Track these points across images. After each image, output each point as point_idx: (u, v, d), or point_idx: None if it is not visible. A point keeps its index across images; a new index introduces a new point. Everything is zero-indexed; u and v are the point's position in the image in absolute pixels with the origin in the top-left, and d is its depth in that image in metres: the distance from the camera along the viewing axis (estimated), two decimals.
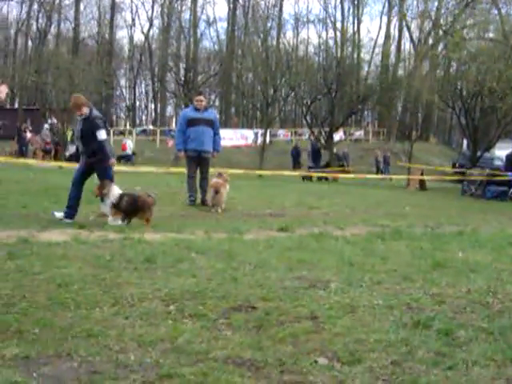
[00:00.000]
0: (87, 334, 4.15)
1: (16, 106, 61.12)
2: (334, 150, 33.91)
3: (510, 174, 22.21)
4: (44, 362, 3.69)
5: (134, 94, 74.00)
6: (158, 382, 3.42)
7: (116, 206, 9.70)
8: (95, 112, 10.12)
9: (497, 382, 3.60)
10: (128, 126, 61.08)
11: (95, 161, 9.97)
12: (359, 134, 53.90)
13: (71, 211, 9.89)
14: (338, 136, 39.99)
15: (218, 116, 14.10)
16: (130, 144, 38.00)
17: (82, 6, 65.62)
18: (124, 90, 75.77)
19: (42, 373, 3.52)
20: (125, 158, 34.58)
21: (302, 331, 4.34)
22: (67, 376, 3.48)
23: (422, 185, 26.96)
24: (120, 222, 9.66)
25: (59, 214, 9.86)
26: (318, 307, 4.92)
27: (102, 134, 9.92)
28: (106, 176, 10.09)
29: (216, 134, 13.10)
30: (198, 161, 12.91)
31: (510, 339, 4.35)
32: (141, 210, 9.75)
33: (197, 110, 13.05)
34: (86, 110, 9.93)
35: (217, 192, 12.00)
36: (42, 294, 5.11)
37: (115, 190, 9.84)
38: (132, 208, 9.73)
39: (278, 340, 4.15)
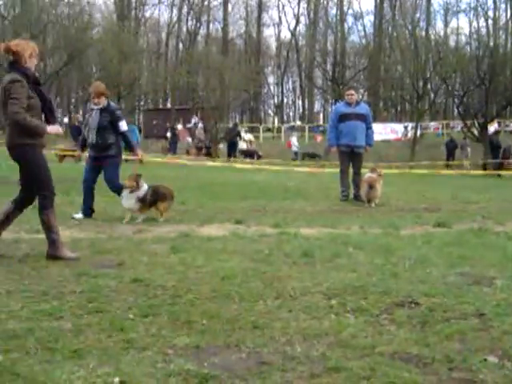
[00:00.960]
0: (253, 325, 4.25)
1: (168, 105, 63.46)
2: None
3: None
4: (213, 351, 3.80)
5: (282, 91, 74.86)
6: (326, 375, 3.44)
7: (143, 201, 9.20)
8: (113, 103, 9.93)
9: None
10: (276, 123, 61.76)
11: (107, 155, 9.56)
12: None
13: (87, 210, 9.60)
14: (492, 128, 38.48)
15: (370, 110, 13.89)
16: (294, 141, 38.18)
17: (229, 7, 67.22)
18: (272, 88, 76.84)
19: (213, 362, 3.63)
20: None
21: (469, 328, 4.22)
22: (237, 366, 3.57)
23: None
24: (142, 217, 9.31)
25: (78, 216, 9.44)
26: (484, 304, 4.77)
27: (124, 125, 9.67)
28: (115, 175, 9.73)
29: (369, 128, 13.00)
30: (351, 156, 12.86)
31: None
32: (160, 201, 9.36)
33: (348, 104, 13.02)
34: (104, 101, 9.53)
35: (371, 187, 11.91)
36: (206, 286, 5.28)
37: (144, 184, 9.31)
38: (153, 199, 9.32)
39: (444, 337, 4.06)
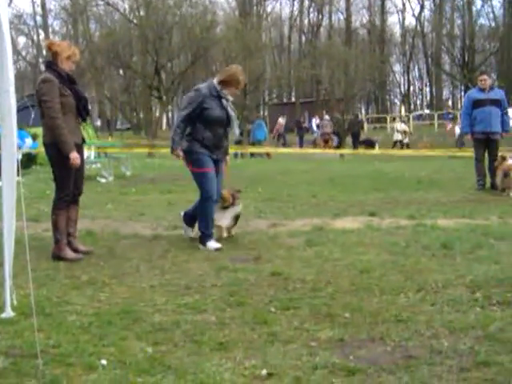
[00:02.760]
0: (396, 319, 4.23)
1: (293, 99, 63.72)
2: None
3: None
4: (358, 345, 3.82)
5: (408, 79, 73.44)
6: (475, 369, 3.38)
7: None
8: None
9: None
10: (403, 112, 60.72)
11: (221, 158, 7.39)
12: None
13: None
14: None
15: (504, 95, 13.38)
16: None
17: None
18: (397, 76, 75.58)
19: (358, 355, 3.64)
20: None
21: None
22: (383, 359, 3.57)
23: None
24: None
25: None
26: None
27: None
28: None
29: (504, 113, 12.53)
30: (486, 143, 12.45)
31: None
32: None
33: (482, 90, 12.60)
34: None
35: (506, 175, 11.49)
36: (344, 279, 5.30)
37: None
38: None
39: None
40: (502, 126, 12.43)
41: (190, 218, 7.51)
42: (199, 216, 7.14)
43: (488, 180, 12.48)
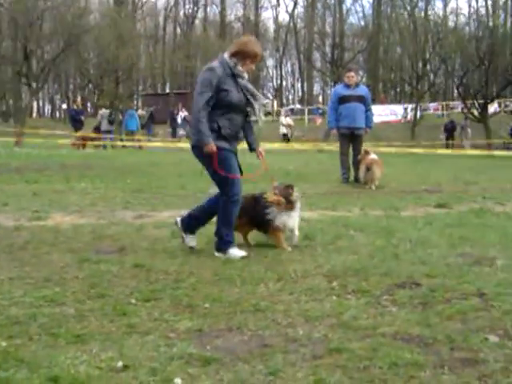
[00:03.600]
0: (255, 308, 4.27)
1: (167, 90, 63.36)
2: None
3: None
4: (216, 335, 3.82)
5: (281, 74, 74.67)
6: (328, 356, 3.46)
7: None
8: None
9: None
10: (275, 107, 61.64)
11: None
12: None
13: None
14: (492, 108, 38.44)
15: (369, 91, 13.89)
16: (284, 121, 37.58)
17: None
18: (270, 71, 76.65)
19: (215, 345, 3.64)
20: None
21: (470, 308, 4.24)
22: (239, 349, 3.59)
23: None
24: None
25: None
26: (485, 284, 4.78)
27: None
28: None
29: (368, 110, 12.98)
30: (351, 138, 12.86)
31: None
32: None
33: (348, 86, 12.99)
34: None
35: (369, 169, 11.92)
36: (208, 270, 5.31)
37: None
38: None
39: (445, 317, 4.08)
40: (366, 121, 12.88)
41: (192, 224, 6.30)
42: (222, 220, 6.02)
43: (352, 173, 12.89)
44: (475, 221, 7.92)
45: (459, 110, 41.58)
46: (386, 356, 3.41)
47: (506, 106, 47.35)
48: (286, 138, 34.56)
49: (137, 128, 31.73)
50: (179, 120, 37.82)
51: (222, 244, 5.98)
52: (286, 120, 35.94)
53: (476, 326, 3.93)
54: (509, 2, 54.01)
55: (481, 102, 33.44)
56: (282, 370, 3.29)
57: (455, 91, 45.48)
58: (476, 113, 33.38)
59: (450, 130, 34.62)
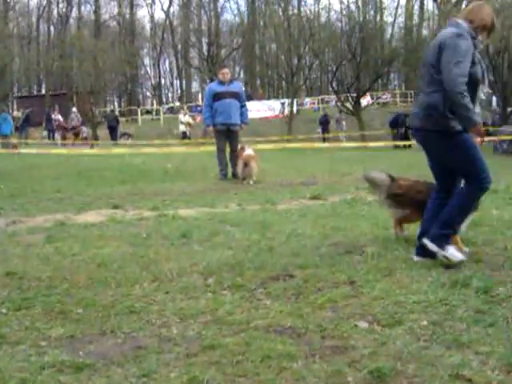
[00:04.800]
0: (129, 310, 4.22)
1: (43, 91, 61.63)
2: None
3: None
4: (89, 340, 3.75)
5: (159, 72, 74.12)
6: (202, 354, 3.46)
7: None
8: None
9: None
10: (155, 105, 61.20)
11: None
12: (386, 97, 53.28)
13: None
14: (365, 101, 39.67)
15: (243, 88, 14.04)
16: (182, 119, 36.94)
17: None
18: (149, 69, 75.95)
19: (88, 351, 3.58)
20: None
21: (341, 296, 4.36)
22: (113, 352, 3.54)
23: None
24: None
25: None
26: (356, 272, 4.94)
27: None
28: None
29: (243, 106, 13.10)
30: (227, 134, 12.93)
31: None
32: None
33: (222, 83, 13.05)
34: None
35: (246, 165, 12.04)
36: (82, 274, 5.19)
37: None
38: None
39: (317, 306, 4.18)
40: (242, 117, 13.00)
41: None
42: (460, 210, 5.28)
43: (230, 169, 12.98)
44: (348, 211, 8.16)
45: (334, 103, 42.63)
46: (258, 349, 3.46)
47: (378, 98, 49.03)
48: (185, 137, 34.08)
49: (11, 132, 30.63)
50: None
51: (444, 238, 5.17)
52: (185, 118, 35.52)
53: (346, 313, 4.05)
54: None
55: (354, 95, 34.42)
56: (156, 370, 3.27)
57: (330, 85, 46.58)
58: (350, 106, 34.32)
59: (324, 124, 35.49)
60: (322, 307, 4.16)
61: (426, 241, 5.19)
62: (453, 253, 5.13)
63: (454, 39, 4.91)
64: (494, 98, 36.24)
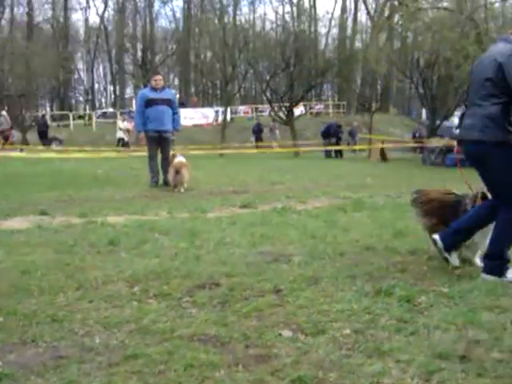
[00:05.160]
0: (51, 319, 4.14)
1: None
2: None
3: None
4: (9, 349, 3.66)
5: (93, 77, 73.24)
6: (124, 363, 3.42)
7: None
8: None
9: (458, 345, 3.67)
10: (88, 110, 60.40)
11: None
12: (319, 107, 53.90)
13: None
14: (298, 111, 40.03)
15: (175, 94, 14.00)
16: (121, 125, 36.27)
17: None
18: (82, 74, 74.92)
19: (8, 360, 3.50)
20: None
21: (266, 305, 4.37)
22: (33, 362, 3.47)
23: (383, 156, 27.11)
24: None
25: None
26: (282, 281, 4.96)
27: None
28: None
29: (175, 112, 13.06)
30: (159, 141, 12.86)
31: (470, 302, 4.45)
32: None
33: (154, 89, 12.98)
34: None
35: (178, 172, 12.00)
36: (4, 282, 5.06)
37: None
38: None
39: (242, 315, 4.18)
40: (174, 124, 12.96)
41: (458, 239, 5.52)
42: (502, 238, 5.24)
43: (161, 177, 12.92)
44: (277, 219, 8.20)
45: (268, 112, 42.90)
46: (181, 358, 3.44)
47: (311, 108, 49.58)
48: (123, 143, 33.48)
49: None
50: None
51: (501, 266, 5.18)
52: (123, 124, 34.96)
53: (271, 322, 4.07)
54: (312, 9, 56.76)
55: (287, 104, 34.68)
56: (77, 380, 3.22)
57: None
58: (283, 115, 34.56)
59: (257, 132, 35.69)
60: (247, 316, 4.17)
61: (484, 276, 5.18)
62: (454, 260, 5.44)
63: None
64: (424, 111, 37.11)
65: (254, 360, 3.48)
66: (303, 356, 3.51)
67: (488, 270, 5.20)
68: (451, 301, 4.51)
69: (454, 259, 5.48)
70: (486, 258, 5.28)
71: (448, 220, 5.63)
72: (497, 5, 29.44)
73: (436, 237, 5.48)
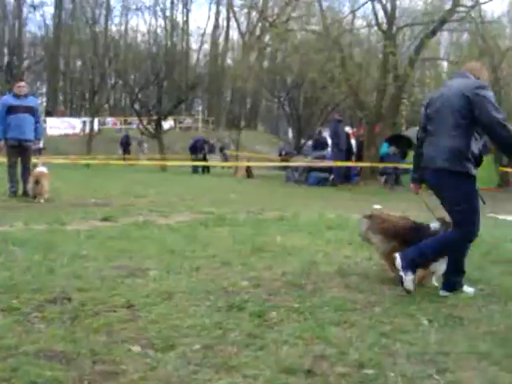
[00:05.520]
0: None
1: None
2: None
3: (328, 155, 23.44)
4: None
5: None
6: None
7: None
8: None
9: (304, 360, 3.77)
10: None
11: None
12: (188, 122, 53.94)
13: None
14: (167, 124, 39.94)
15: (39, 103, 13.64)
16: None
17: None
18: None
19: None
20: None
21: (118, 320, 4.33)
22: None
23: (249, 172, 27.45)
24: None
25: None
26: (135, 295, 4.93)
27: None
28: None
29: (37, 121, 12.71)
30: (19, 150, 12.45)
31: (319, 318, 4.59)
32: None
33: (17, 96, 12.58)
34: None
35: (37, 182, 11.67)
36: None
37: None
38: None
39: (92, 330, 4.11)
40: (36, 133, 12.60)
41: (417, 261, 5.60)
42: (437, 247, 5.58)
43: (21, 186, 12.51)
44: (137, 233, 8.12)
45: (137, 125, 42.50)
46: (25, 375, 3.34)
47: (181, 122, 49.62)
48: None
49: None
50: None
51: (411, 263, 5.48)
52: None
53: (121, 337, 4.02)
54: (185, 25, 56.87)
55: (156, 118, 34.51)
56: None
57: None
58: (151, 129, 34.35)
59: (125, 145, 35.35)
60: (97, 331, 4.10)
61: (397, 255, 5.52)
62: (407, 283, 5.43)
63: (481, 89, 5.32)
64: (290, 130, 38.02)
65: (100, 376, 3.43)
66: (151, 372, 3.50)
67: (406, 260, 5.48)
68: (301, 316, 4.63)
69: (409, 282, 5.46)
70: (412, 251, 5.55)
71: (407, 245, 5.79)
72: (362, 30, 30.60)
73: (397, 255, 5.59)
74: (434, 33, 24.81)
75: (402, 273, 5.45)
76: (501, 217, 12.51)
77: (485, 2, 24.74)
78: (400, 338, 4.25)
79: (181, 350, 3.82)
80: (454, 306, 5.15)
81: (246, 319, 4.46)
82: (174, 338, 4.02)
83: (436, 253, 5.59)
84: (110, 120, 53.20)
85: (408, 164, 22.87)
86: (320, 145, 24.66)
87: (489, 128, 5.28)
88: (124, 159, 32.96)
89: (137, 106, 37.11)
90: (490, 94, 5.36)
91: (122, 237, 7.76)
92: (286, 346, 3.98)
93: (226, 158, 34.90)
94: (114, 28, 52.95)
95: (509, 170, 19.69)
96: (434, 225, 5.91)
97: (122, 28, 56.93)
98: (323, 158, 23.45)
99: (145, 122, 34.37)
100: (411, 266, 5.46)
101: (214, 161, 33.61)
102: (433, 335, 4.34)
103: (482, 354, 4.00)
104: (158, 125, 33.77)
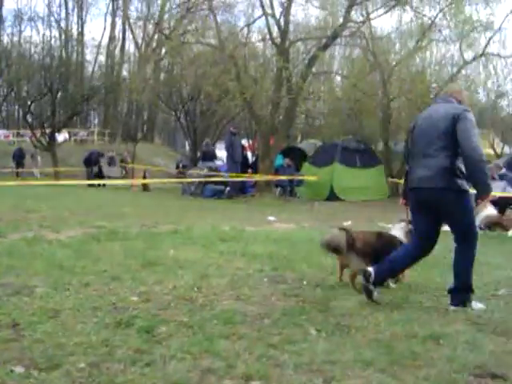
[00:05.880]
0: None
1: None
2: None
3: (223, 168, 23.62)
4: None
5: None
6: None
7: None
8: None
9: (192, 374, 3.78)
10: None
11: None
12: (83, 134, 52.88)
13: None
14: (62, 137, 39.09)
15: None
16: None
17: None
18: None
19: None
20: None
21: (1, 340, 4.21)
22: None
23: (145, 186, 27.18)
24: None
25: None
26: (21, 314, 4.80)
27: None
28: None
29: None
30: None
31: (208, 331, 4.60)
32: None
33: None
34: None
35: None
36: None
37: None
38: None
39: None
40: None
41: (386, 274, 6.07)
42: (470, 265, 5.79)
43: None
44: (26, 249, 7.89)
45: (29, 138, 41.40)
46: None
47: (76, 134, 48.68)
48: None
49: None
50: None
51: (462, 296, 5.78)
52: None
53: (4, 358, 3.92)
54: (80, 36, 55.92)
55: (49, 130, 33.74)
56: None
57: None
58: (44, 141, 33.53)
59: (18, 158, 34.35)
60: None
61: (452, 307, 5.72)
62: (376, 296, 5.78)
63: (467, 113, 5.64)
64: (187, 143, 37.95)
65: None
66: None
67: (457, 302, 5.74)
68: (190, 330, 4.64)
69: (377, 295, 5.80)
70: (454, 291, 5.79)
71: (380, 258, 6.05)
72: (257, 44, 30.90)
73: (370, 269, 5.79)
74: (325, 47, 25.37)
75: (371, 287, 5.75)
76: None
77: (374, 18, 25.45)
78: (288, 348, 4.33)
79: (65, 369, 3.76)
80: (342, 315, 5.29)
81: (133, 335, 4.43)
82: (58, 357, 3.94)
83: (404, 266, 6.10)
84: (2, 132, 51.54)
85: (301, 176, 23.36)
86: (209, 156, 24.93)
87: (467, 150, 5.55)
88: (17, 174, 31.99)
89: (30, 118, 36.15)
90: (472, 118, 5.68)
91: (10, 253, 7.52)
92: (173, 361, 3.97)
93: (126, 171, 34.44)
94: (6, 38, 51.38)
95: (398, 181, 20.35)
96: (396, 232, 6.58)
97: (15, 39, 55.43)
98: (216, 169, 23.64)
99: (38, 135, 33.52)
100: (382, 281, 5.94)
101: (114, 173, 33.22)
102: (320, 344, 4.44)
103: (367, 361, 4.12)
104: (52, 137, 33.03)
